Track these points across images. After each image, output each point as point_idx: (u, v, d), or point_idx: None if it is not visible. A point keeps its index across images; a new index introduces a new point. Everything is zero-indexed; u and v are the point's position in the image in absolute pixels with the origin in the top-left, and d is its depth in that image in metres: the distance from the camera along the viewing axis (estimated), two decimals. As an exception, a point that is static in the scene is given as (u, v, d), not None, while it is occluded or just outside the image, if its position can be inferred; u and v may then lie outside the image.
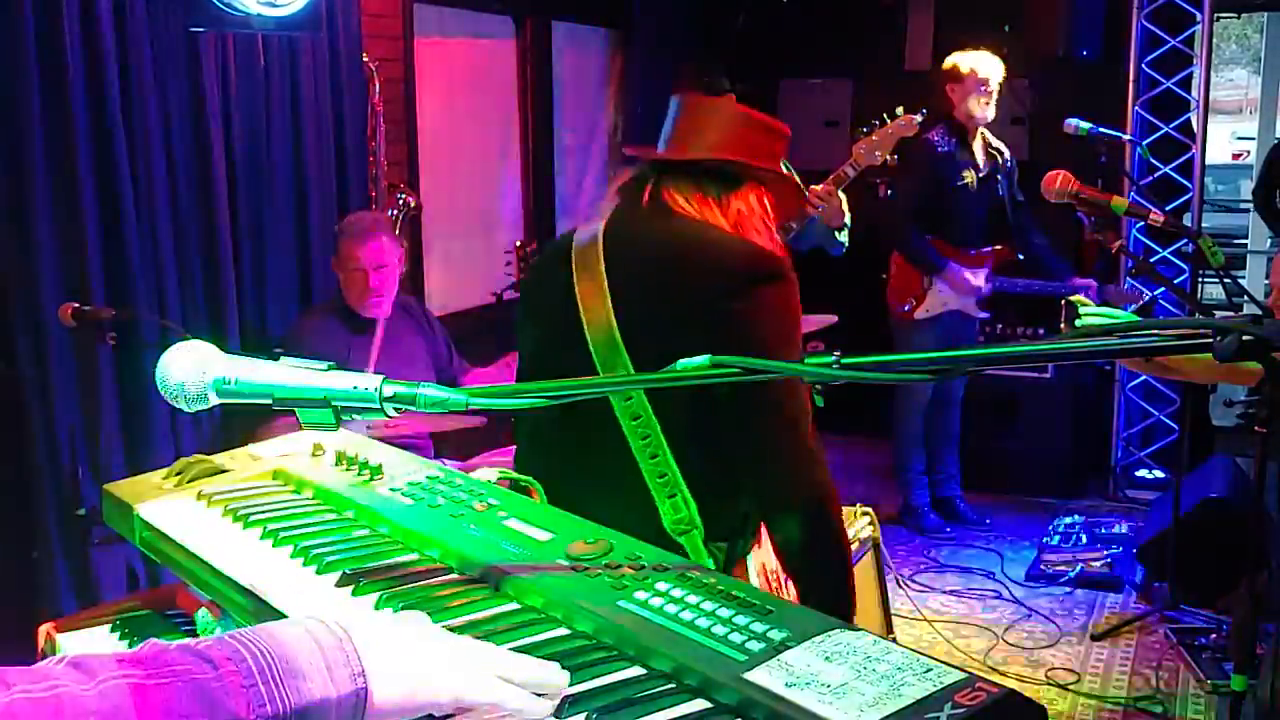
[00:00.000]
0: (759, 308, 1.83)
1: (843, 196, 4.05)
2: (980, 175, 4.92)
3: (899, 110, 4.05)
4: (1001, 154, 4.99)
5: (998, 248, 4.99)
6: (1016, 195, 5.01)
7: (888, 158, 4.14)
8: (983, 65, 4.78)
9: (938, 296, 4.94)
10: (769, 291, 1.84)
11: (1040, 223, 5.03)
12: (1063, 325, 2.46)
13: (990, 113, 4.82)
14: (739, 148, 1.97)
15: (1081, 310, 2.28)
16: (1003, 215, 4.99)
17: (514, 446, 3.67)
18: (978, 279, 4.94)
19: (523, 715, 0.98)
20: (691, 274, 1.84)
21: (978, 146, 4.92)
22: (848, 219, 4.18)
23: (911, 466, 5.22)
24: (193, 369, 1.19)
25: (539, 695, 0.99)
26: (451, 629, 1.16)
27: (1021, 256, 4.99)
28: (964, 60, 4.83)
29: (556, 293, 1.95)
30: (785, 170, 2.08)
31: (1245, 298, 3.78)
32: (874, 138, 4.04)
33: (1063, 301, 2.46)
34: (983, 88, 4.78)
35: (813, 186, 4.06)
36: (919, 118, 4.11)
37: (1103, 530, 5.04)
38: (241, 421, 3.12)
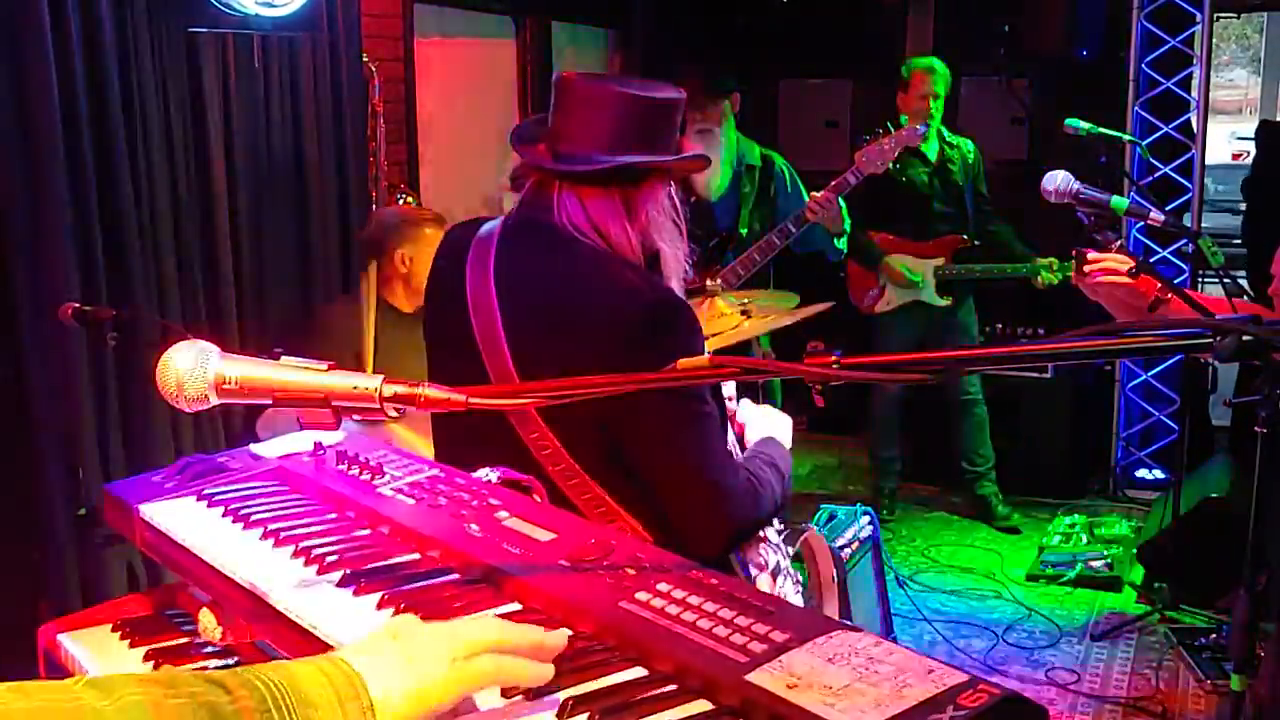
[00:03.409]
0: (656, 360, 1.58)
1: (842, 203, 4.06)
2: (930, 170, 4.99)
3: (904, 119, 4.07)
4: (959, 148, 5.05)
5: (951, 236, 5.03)
6: (980, 188, 5.09)
7: (890, 166, 4.16)
8: (921, 71, 4.89)
9: (892, 290, 5.03)
10: (667, 342, 1.70)
11: (1002, 212, 5.11)
12: (1073, 275, 2.51)
13: (929, 113, 4.86)
14: (638, 143, 1.81)
15: (1090, 257, 2.37)
16: (962, 206, 5.03)
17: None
18: (923, 268, 4.99)
19: (527, 683, 1.02)
20: (587, 320, 1.74)
21: (931, 144, 4.97)
22: (847, 225, 4.19)
23: (880, 454, 5.42)
24: (193, 369, 1.19)
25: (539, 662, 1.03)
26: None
27: (977, 243, 5.03)
28: (909, 67, 4.94)
29: (453, 285, 1.88)
30: (687, 146, 1.95)
31: (1245, 298, 3.77)
32: (876, 146, 4.05)
33: (1073, 251, 2.52)
34: (921, 90, 4.88)
35: (813, 193, 4.07)
36: (922, 128, 4.12)
37: (1103, 530, 5.04)
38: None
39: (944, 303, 5.02)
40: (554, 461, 1.78)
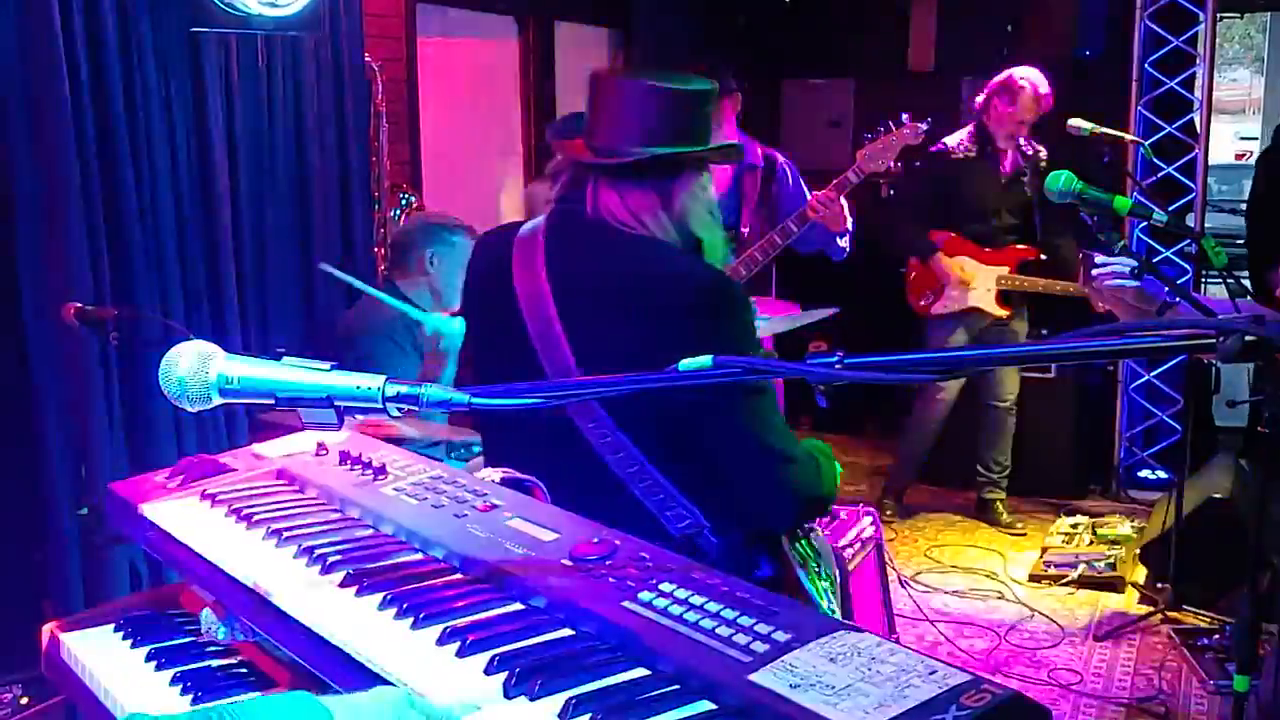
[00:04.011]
0: (714, 338, 1.68)
1: (844, 202, 4.05)
2: (1006, 178, 4.96)
3: (904, 117, 4.06)
4: (1036, 157, 5.00)
5: (1019, 247, 5.00)
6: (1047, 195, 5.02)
7: (891, 164, 4.15)
8: (1018, 79, 4.85)
9: (952, 293, 4.98)
10: (726, 321, 1.79)
11: (1075, 227, 5.04)
12: (1080, 279, 2.52)
13: (1020, 124, 4.85)
14: (671, 135, 1.85)
15: (1097, 260, 2.38)
16: (1030, 218, 5.01)
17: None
18: (985, 276, 4.95)
19: None
20: (646, 307, 1.78)
21: (1007, 149, 4.94)
22: (849, 224, 4.18)
23: (917, 458, 5.32)
24: (195, 368, 1.19)
25: None
26: (456, 629, 1.16)
27: (1045, 257, 4.99)
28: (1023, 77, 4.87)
29: (498, 289, 1.90)
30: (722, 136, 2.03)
31: (1248, 298, 3.77)
32: (878, 144, 4.04)
33: (1080, 255, 2.52)
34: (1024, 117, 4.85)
35: (815, 192, 4.07)
36: (925, 126, 4.12)
37: (1105, 530, 5.03)
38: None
39: (1002, 313, 4.97)
40: (614, 450, 1.81)
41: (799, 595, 1.95)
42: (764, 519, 1.86)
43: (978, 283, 4.97)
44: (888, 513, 5.19)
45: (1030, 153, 5.00)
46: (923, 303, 5.07)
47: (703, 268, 1.86)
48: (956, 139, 4.98)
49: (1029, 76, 4.84)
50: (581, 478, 1.80)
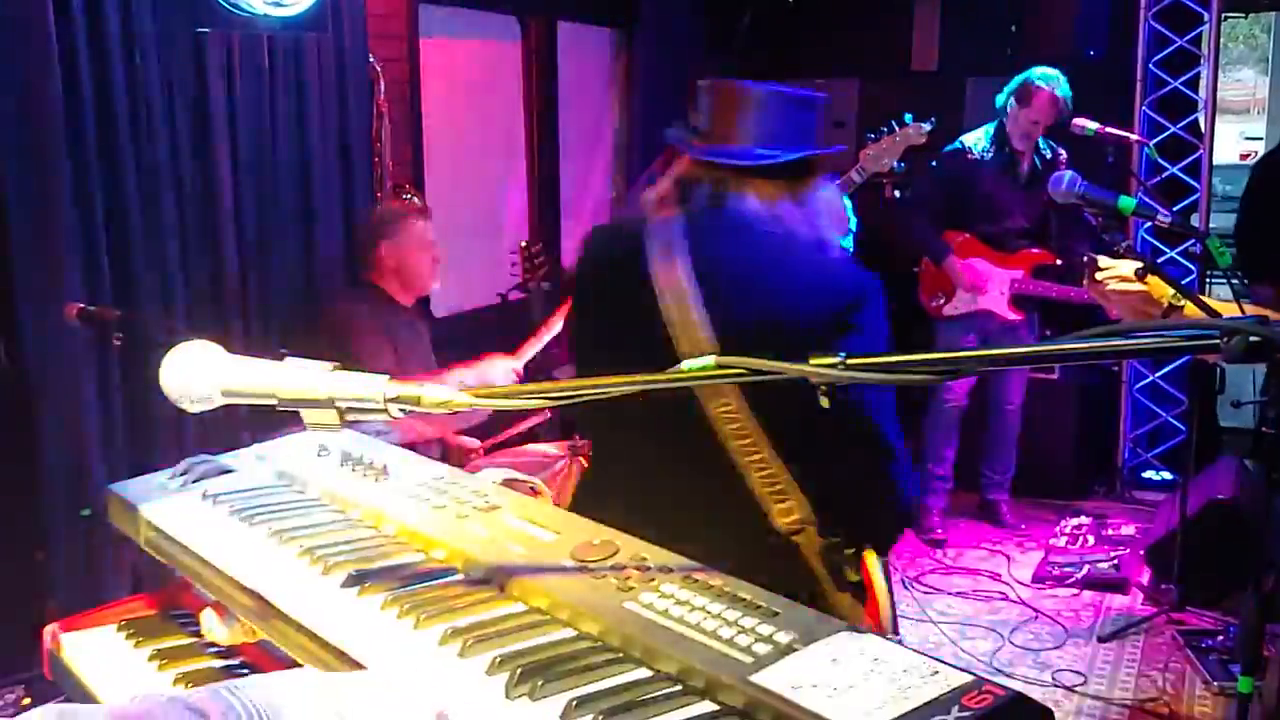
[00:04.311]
0: (862, 329, 1.84)
1: (848, 202, 4.04)
2: (1023, 179, 4.91)
3: (908, 118, 4.05)
4: (1056, 160, 4.92)
5: (1034, 251, 4.96)
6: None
7: (894, 164, 4.14)
8: (1035, 82, 4.76)
9: (964, 295, 4.96)
10: (869, 313, 1.87)
11: (1090, 231, 5.00)
12: (1085, 281, 2.52)
13: (1034, 125, 4.78)
14: (800, 139, 1.97)
15: (1101, 264, 2.38)
16: (1045, 222, 4.97)
17: (516, 448, 3.68)
18: (999, 279, 4.93)
19: None
20: (797, 298, 1.87)
21: (1024, 150, 4.89)
22: (852, 224, 4.18)
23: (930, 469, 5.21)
24: (197, 369, 1.19)
25: None
26: (457, 630, 1.16)
27: (1059, 261, 4.95)
28: (1034, 79, 4.78)
29: (627, 281, 1.96)
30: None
31: (1250, 299, 3.76)
32: (882, 144, 4.04)
33: (1084, 258, 2.52)
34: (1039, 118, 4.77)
35: None
36: (928, 126, 4.11)
37: (1110, 531, 5.02)
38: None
39: (1014, 317, 4.94)
40: (739, 435, 1.86)
41: (884, 602, 2.05)
42: (872, 515, 1.94)
43: (991, 285, 4.95)
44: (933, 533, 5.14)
45: (1050, 156, 4.93)
46: (934, 304, 5.05)
47: (849, 263, 1.97)
48: (974, 138, 4.91)
49: (1047, 79, 4.74)
50: (694, 465, 1.88)
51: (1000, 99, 4.88)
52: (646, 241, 1.97)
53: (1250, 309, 2.40)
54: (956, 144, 4.92)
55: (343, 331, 3.47)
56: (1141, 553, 4.62)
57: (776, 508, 1.88)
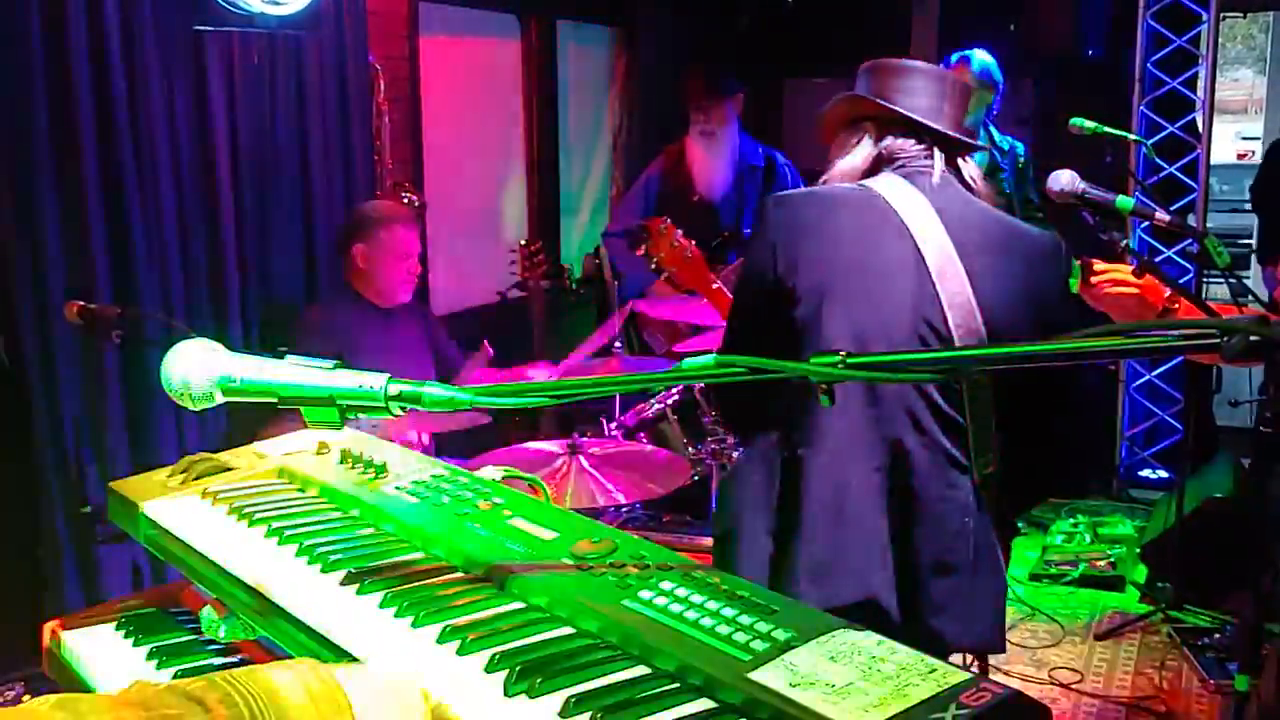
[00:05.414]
0: (1061, 291, 2.22)
1: None
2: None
3: None
4: (1009, 152, 4.86)
5: None
6: (1030, 195, 4.86)
7: None
8: (957, 64, 4.60)
9: None
10: (1064, 278, 2.22)
11: (1056, 226, 4.95)
12: (1079, 286, 2.52)
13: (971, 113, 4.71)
14: (962, 120, 2.28)
15: (1096, 266, 2.42)
16: (1009, 214, 4.92)
17: (515, 447, 3.69)
18: None
19: None
20: (1025, 252, 2.19)
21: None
22: None
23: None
24: (198, 367, 1.19)
25: None
26: (456, 628, 1.16)
27: None
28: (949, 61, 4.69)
29: (881, 242, 2.13)
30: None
31: (1250, 298, 3.76)
32: None
33: (1079, 261, 2.53)
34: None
35: None
36: None
37: (1106, 530, 5.03)
38: (246, 420, 3.12)
39: None
40: (929, 408, 2.13)
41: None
42: (1028, 483, 2.37)
43: None
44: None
45: (1006, 148, 4.80)
46: None
47: (1045, 230, 2.28)
48: None
49: (960, 62, 4.51)
50: (852, 446, 2.10)
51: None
52: (895, 207, 2.14)
53: (1250, 309, 2.40)
54: None
55: (292, 333, 3.47)
56: (1138, 551, 4.63)
57: (946, 480, 2.14)
